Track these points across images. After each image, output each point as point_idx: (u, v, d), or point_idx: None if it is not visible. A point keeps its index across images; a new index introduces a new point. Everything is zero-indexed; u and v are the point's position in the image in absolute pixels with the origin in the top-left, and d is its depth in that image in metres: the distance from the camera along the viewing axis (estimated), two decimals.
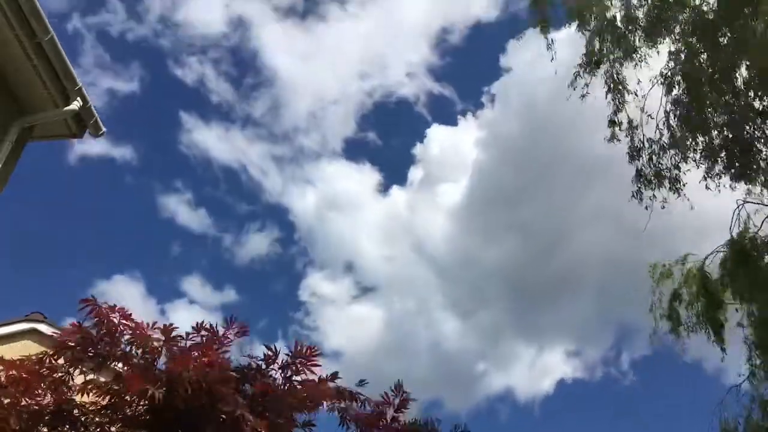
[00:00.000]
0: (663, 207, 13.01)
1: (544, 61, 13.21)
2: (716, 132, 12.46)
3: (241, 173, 32.30)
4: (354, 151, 32.41)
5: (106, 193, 29.56)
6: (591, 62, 13.01)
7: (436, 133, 31.44)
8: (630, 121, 13.20)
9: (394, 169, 33.28)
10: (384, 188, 34.60)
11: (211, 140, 30.90)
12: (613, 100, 13.11)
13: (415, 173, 31.15)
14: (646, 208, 13.08)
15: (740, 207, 13.18)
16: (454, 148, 30.40)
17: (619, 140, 13.19)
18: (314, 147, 32.57)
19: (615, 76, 13.05)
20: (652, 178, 13.07)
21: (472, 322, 29.71)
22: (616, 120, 13.17)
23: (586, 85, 13.04)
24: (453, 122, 32.17)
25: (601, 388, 28.32)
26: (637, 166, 13.19)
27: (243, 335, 4.86)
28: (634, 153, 13.20)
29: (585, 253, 24.11)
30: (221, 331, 4.83)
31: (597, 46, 12.95)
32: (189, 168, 31.54)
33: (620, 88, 13.09)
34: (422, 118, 31.20)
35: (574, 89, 13.06)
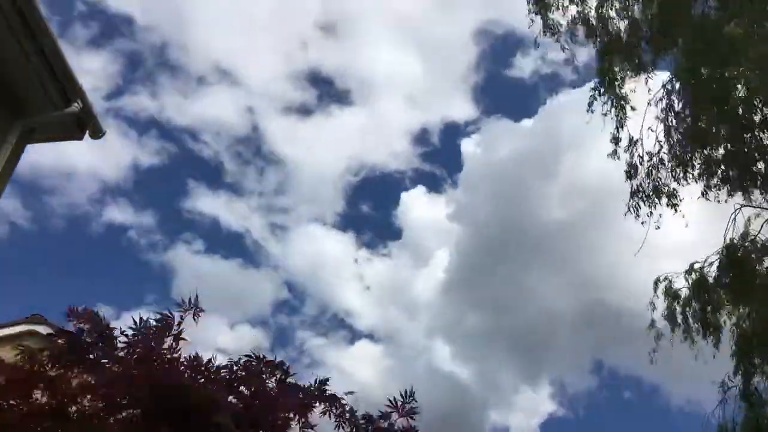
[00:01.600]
0: (658, 228, 13.09)
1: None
2: (715, 145, 12.49)
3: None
4: (343, 221, 35.91)
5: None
6: (605, 82, 13.12)
7: (418, 208, 35.21)
8: (630, 138, 13.33)
9: (376, 236, 36.46)
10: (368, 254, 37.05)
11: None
12: (616, 116, 13.21)
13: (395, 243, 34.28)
14: (643, 224, 13.14)
15: (737, 211, 13.19)
16: (432, 221, 34.05)
17: (619, 158, 13.33)
18: (310, 215, 36.32)
19: (618, 91, 13.13)
20: (651, 193, 13.15)
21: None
22: (619, 136, 13.29)
23: (604, 104, 13.13)
24: (430, 199, 35.47)
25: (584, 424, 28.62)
26: (632, 186, 13.28)
27: None
28: (631, 171, 13.30)
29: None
30: None
31: (606, 65, 13.09)
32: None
33: (623, 104, 13.18)
34: (405, 193, 34.52)
35: (593, 112, 13.22)
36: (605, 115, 13.14)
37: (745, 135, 11.94)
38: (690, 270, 14.13)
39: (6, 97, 6.43)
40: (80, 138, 7.04)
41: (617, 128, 13.28)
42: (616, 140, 13.33)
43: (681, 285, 14.08)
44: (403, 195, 34.98)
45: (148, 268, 32.52)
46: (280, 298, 34.38)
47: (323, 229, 35.25)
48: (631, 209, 13.20)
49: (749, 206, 13.00)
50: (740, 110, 11.71)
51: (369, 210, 33.72)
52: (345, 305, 35.71)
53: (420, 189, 34.51)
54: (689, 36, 11.67)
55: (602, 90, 13.14)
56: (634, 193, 13.26)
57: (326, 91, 33.03)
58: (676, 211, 12.94)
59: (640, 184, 13.23)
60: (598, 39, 13.26)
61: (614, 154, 13.37)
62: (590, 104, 13.28)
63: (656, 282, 14.34)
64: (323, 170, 33.34)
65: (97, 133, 7.02)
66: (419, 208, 33.94)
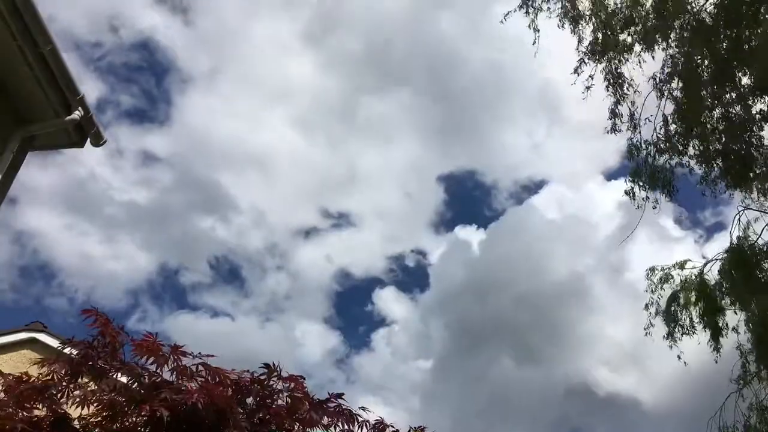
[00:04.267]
0: (654, 207, 13.08)
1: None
2: (713, 138, 12.47)
3: None
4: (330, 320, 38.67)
5: None
6: (596, 51, 12.94)
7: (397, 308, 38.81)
8: (631, 114, 13.18)
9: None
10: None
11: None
12: (613, 93, 13.08)
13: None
14: (638, 207, 13.16)
15: (740, 213, 13.22)
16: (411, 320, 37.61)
17: (620, 130, 13.18)
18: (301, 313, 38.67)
19: (614, 71, 13.03)
20: (647, 179, 13.08)
21: None
22: (617, 111, 13.13)
23: (591, 76, 13.04)
24: (406, 301, 39.37)
25: None
26: (635, 163, 13.21)
27: None
28: (633, 150, 13.22)
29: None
30: None
31: (600, 37, 12.93)
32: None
33: (620, 82, 13.07)
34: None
35: (578, 75, 13.03)
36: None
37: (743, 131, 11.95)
38: (682, 265, 14.16)
39: (7, 105, 6.41)
40: (81, 146, 7.02)
41: (615, 104, 13.13)
42: (614, 114, 13.15)
43: (676, 282, 14.16)
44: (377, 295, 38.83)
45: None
46: None
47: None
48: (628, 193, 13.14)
49: (751, 209, 13.01)
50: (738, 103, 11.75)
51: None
52: None
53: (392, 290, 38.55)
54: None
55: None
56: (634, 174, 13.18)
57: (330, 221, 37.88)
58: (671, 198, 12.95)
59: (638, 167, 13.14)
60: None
61: (613, 129, 13.19)
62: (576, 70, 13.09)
63: (651, 270, 14.43)
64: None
65: (98, 141, 7.01)
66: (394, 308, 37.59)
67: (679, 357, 13.66)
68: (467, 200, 38.51)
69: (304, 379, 4.71)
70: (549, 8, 13.06)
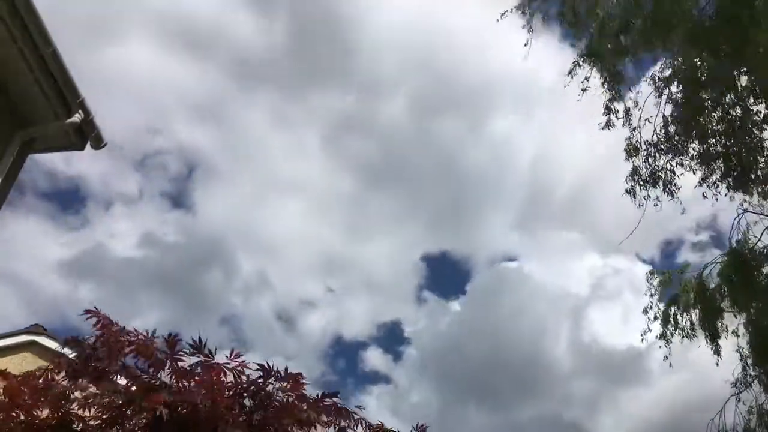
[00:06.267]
0: (656, 205, 13.07)
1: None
2: (714, 140, 12.46)
3: None
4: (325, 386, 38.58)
5: None
6: (591, 54, 12.90)
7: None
8: (627, 110, 13.12)
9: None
10: None
11: None
12: (609, 90, 13.06)
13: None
14: (639, 206, 13.14)
15: (740, 216, 13.22)
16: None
17: (614, 125, 13.10)
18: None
19: (611, 69, 13.01)
20: (648, 178, 13.09)
21: None
22: (612, 107, 13.05)
23: (587, 78, 13.03)
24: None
25: None
26: (633, 164, 13.19)
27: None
28: (631, 150, 13.20)
29: None
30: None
31: (596, 39, 12.87)
32: None
33: (617, 80, 13.06)
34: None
35: (572, 77, 13.02)
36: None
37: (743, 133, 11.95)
38: (683, 269, 14.18)
39: (8, 107, 6.43)
40: (81, 148, 7.03)
41: (610, 100, 13.06)
42: (609, 110, 13.07)
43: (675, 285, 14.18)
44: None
45: None
46: None
47: None
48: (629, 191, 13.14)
49: (751, 212, 13.02)
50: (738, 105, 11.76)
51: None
52: None
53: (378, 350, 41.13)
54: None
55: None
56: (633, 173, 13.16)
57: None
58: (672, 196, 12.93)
59: (637, 167, 13.13)
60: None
61: (608, 124, 13.10)
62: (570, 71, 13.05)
63: (651, 273, 14.46)
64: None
65: (99, 144, 7.02)
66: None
67: (666, 357, 13.74)
68: (446, 275, 43.12)
69: (302, 375, 4.70)
70: (545, 15, 13.12)
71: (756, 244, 13.03)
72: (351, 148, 37.91)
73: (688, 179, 12.89)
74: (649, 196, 13.03)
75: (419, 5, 29.52)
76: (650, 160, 13.05)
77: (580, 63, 12.94)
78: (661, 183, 12.93)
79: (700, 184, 12.70)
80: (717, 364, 13.21)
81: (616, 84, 13.01)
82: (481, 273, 40.86)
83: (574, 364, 31.44)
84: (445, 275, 42.74)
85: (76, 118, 6.57)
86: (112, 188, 35.40)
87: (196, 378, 4.54)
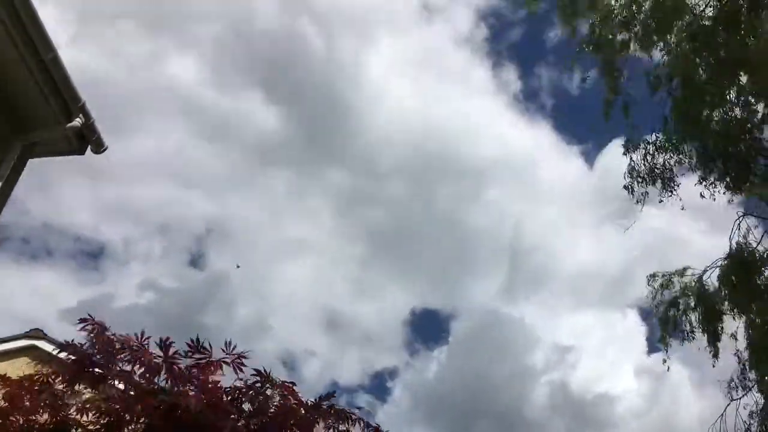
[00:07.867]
0: (660, 201, 13.10)
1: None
2: (712, 140, 12.42)
3: None
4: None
5: None
6: (593, 43, 12.92)
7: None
8: (625, 105, 13.08)
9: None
10: None
11: None
12: (607, 83, 13.08)
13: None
14: (638, 202, 13.15)
15: (740, 219, 13.19)
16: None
17: (611, 117, 13.12)
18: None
19: (611, 61, 13.01)
20: (646, 175, 13.08)
21: None
22: (610, 99, 13.06)
23: (588, 75, 13.11)
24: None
25: None
26: (631, 159, 13.18)
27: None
28: (629, 145, 13.20)
29: None
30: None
31: (597, 31, 12.91)
32: None
33: (615, 74, 13.05)
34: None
35: (572, 70, 13.20)
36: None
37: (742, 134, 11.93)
38: (682, 273, 14.15)
39: (7, 112, 6.43)
40: (82, 153, 7.02)
41: (609, 92, 13.07)
42: (608, 104, 13.09)
43: (676, 288, 14.15)
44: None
45: None
46: None
47: None
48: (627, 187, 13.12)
49: (752, 215, 12.99)
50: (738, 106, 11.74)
51: None
52: None
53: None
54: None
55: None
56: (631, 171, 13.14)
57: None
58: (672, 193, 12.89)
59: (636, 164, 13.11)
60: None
61: (606, 116, 13.15)
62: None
63: (652, 276, 14.43)
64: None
65: (99, 149, 7.01)
66: None
67: (664, 361, 13.72)
68: (433, 327, 45.34)
69: (295, 384, 4.71)
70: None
71: (756, 246, 13.00)
72: (360, 216, 41.22)
73: (688, 178, 12.93)
74: (647, 192, 13.04)
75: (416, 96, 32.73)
76: (649, 157, 13.06)
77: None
78: (659, 180, 12.93)
79: (700, 182, 12.69)
80: (713, 365, 13.24)
81: (616, 77, 13.04)
82: (463, 321, 42.43)
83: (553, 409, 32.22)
84: (432, 327, 45.14)
85: (77, 122, 6.55)
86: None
87: (194, 381, 4.53)
